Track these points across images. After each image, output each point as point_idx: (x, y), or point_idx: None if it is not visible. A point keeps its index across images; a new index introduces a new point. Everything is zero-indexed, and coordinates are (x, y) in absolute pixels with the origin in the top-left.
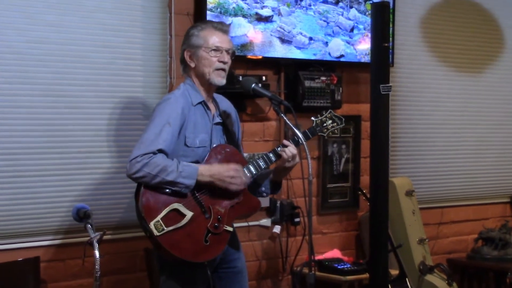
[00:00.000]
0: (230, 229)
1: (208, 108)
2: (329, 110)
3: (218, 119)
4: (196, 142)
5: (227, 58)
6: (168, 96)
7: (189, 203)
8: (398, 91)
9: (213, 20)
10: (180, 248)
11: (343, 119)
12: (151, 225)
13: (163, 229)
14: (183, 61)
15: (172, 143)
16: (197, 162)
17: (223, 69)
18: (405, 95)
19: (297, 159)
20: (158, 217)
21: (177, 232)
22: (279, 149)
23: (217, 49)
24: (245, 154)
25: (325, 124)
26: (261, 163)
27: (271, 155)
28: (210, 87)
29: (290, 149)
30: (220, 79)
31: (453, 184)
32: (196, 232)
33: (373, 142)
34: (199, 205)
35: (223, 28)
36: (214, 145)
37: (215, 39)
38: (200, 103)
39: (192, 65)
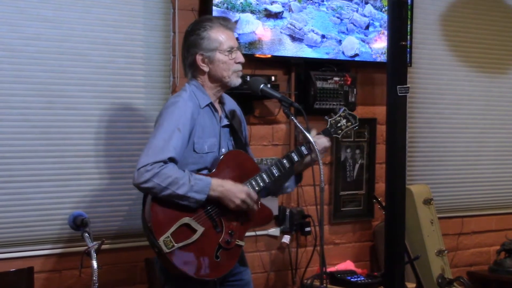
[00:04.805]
0: (242, 243)
1: (216, 110)
2: (343, 108)
3: (225, 121)
4: (205, 148)
5: (242, 57)
6: (175, 99)
7: (200, 217)
8: (416, 93)
9: (219, 16)
10: (191, 265)
11: (357, 117)
12: (161, 241)
13: (173, 246)
14: (192, 66)
15: (182, 150)
16: (205, 169)
17: (241, 70)
18: (423, 97)
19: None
20: (168, 233)
21: (187, 248)
22: (292, 154)
23: (231, 49)
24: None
25: (339, 124)
26: (275, 171)
27: (284, 161)
28: (223, 89)
29: (323, 141)
30: (238, 80)
31: (474, 192)
32: (207, 248)
33: (389, 147)
34: (210, 219)
35: (232, 25)
36: (224, 151)
37: (227, 39)
38: (207, 105)
39: (206, 69)
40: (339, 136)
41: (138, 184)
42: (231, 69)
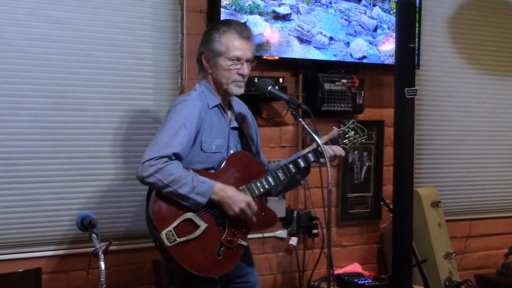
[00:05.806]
0: (245, 243)
1: (225, 111)
2: (352, 120)
3: (235, 123)
4: (212, 147)
5: (247, 70)
6: (184, 97)
7: (204, 213)
8: (424, 95)
9: (232, 19)
10: (191, 261)
11: (366, 131)
12: (163, 234)
13: (175, 240)
14: (199, 62)
15: (187, 147)
16: (212, 168)
17: (242, 81)
18: (431, 99)
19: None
20: (171, 227)
21: (189, 244)
22: (299, 160)
23: (237, 60)
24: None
25: (347, 135)
26: (280, 175)
27: (291, 166)
28: (226, 94)
29: (333, 148)
30: (237, 89)
31: (482, 195)
32: (209, 245)
33: (397, 150)
34: (213, 217)
35: (247, 34)
36: (232, 152)
37: (237, 47)
38: (216, 106)
39: (209, 70)
40: (347, 147)
41: (141, 178)
42: (231, 78)
